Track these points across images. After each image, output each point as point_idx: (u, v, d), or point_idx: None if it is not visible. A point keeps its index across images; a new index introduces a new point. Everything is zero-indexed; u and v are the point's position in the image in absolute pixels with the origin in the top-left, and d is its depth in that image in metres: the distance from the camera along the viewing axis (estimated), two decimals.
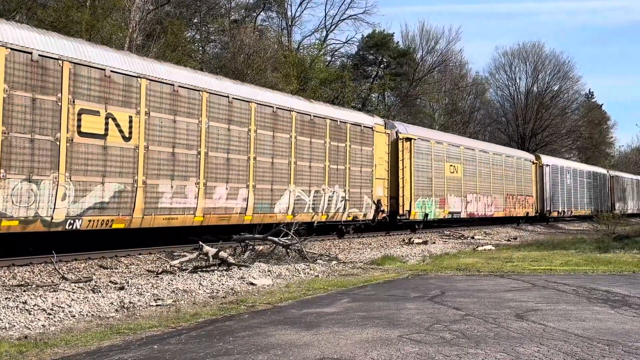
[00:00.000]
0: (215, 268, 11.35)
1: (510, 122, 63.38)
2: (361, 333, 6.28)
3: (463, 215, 26.82)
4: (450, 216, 25.91)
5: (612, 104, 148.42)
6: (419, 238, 21.48)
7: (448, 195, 25.67)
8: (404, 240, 21.05)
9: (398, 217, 22.29)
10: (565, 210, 38.28)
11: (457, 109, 58.23)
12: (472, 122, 60.99)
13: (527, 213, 33.68)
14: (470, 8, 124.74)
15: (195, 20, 39.68)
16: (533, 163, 35.30)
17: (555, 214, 36.90)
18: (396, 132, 22.56)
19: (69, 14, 23.88)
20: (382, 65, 52.97)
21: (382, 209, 21.07)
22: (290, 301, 8.47)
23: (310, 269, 11.99)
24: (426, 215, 23.87)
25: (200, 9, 38.87)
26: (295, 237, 14.12)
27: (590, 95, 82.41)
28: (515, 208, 32.08)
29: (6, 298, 7.72)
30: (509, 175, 31.79)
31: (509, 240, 22.92)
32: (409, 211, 22.62)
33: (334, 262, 13.44)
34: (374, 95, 53.17)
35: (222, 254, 12.01)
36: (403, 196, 22.30)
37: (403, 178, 22.33)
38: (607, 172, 47.76)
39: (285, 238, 13.93)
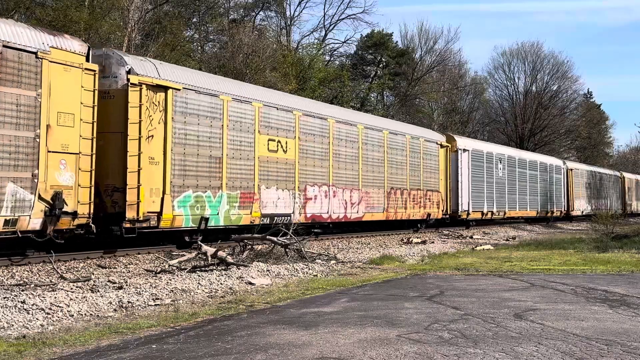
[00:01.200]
0: (214, 268, 11.34)
1: (508, 121, 63.41)
2: (360, 332, 6.27)
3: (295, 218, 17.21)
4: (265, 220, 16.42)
5: (611, 103, 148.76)
6: (417, 238, 21.50)
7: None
8: (402, 239, 21.06)
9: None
10: (495, 210, 29.88)
11: (456, 109, 58.28)
12: (471, 121, 61.02)
13: (429, 215, 24.77)
14: (469, 8, 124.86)
15: (194, 20, 39.70)
16: (442, 146, 26.03)
17: (477, 216, 28.26)
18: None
19: (67, 13, 23.88)
20: (380, 65, 52.99)
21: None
22: (289, 301, 8.47)
23: (309, 269, 11.99)
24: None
25: (199, 9, 38.87)
26: (294, 236, 14.12)
27: (588, 95, 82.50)
28: (406, 208, 23.15)
29: (4, 297, 7.71)
30: (397, 161, 22.71)
31: (507, 240, 22.95)
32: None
33: (333, 261, 13.44)
34: (372, 95, 53.25)
35: (221, 253, 12.01)
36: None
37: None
38: (564, 163, 40.71)
39: (284, 238, 13.93)
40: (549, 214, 37.07)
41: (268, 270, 11.32)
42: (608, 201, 48.06)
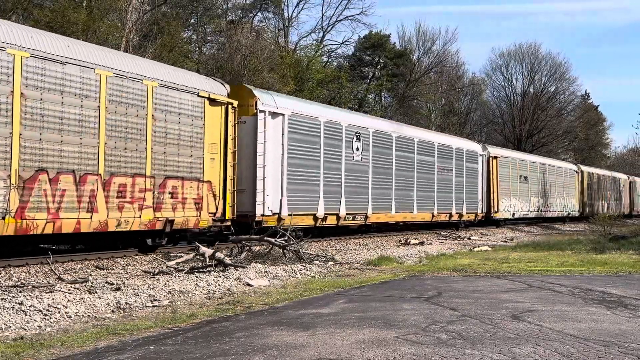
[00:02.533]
0: (212, 269, 11.34)
1: (506, 123, 63.49)
2: (358, 334, 6.28)
3: None
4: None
5: (608, 105, 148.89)
6: (415, 239, 21.52)
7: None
8: (400, 241, 21.09)
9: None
10: (344, 213, 19.51)
11: (454, 110, 58.31)
12: (469, 123, 61.09)
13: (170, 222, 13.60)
14: (466, 9, 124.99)
15: (192, 21, 39.69)
16: (214, 102, 14.70)
17: (298, 221, 17.39)
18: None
19: (65, 14, 23.87)
20: (378, 66, 53.02)
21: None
22: (287, 302, 8.47)
23: (307, 270, 12.00)
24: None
25: (197, 10, 38.87)
26: (292, 238, 14.12)
27: (586, 96, 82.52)
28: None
29: (2, 299, 7.70)
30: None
31: (505, 241, 22.97)
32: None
33: (331, 262, 13.45)
34: (370, 96, 53.27)
35: (219, 254, 12.01)
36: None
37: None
38: (484, 148, 30.49)
39: (282, 239, 13.93)
40: (457, 218, 27.07)
41: (266, 272, 11.33)
42: (559, 200, 39.02)
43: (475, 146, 29.92)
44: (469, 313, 7.41)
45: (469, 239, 23.47)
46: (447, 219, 26.44)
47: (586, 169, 45.70)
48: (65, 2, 24.56)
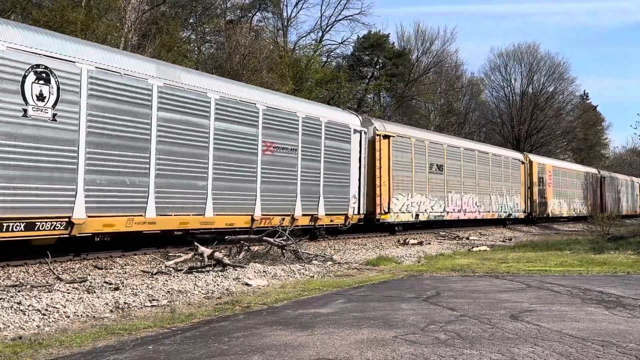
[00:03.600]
0: (211, 269, 11.34)
1: (505, 123, 63.53)
2: (356, 334, 6.28)
3: None
4: None
5: (607, 105, 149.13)
6: (414, 239, 21.53)
7: None
8: (399, 240, 21.09)
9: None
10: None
11: (453, 110, 58.34)
12: (468, 123, 61.11)
13: None
14: (465, 9, 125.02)
15: (191, 21, 39.65)
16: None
17: None
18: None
19: (64, 13, 23.84)
20: (377, 66, 53.05)
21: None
22: (286, 302, 8.47)
23: (306, 270, 12.00)
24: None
25: (196, 9, 38.84)
26: (291, 237, 14.12)
27: (585, 97, 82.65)
28: None
29: (1, 298, 7.69)
30: None
31: (504, 241, 22.98)
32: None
33: (329, 262, 13.45)
34: (369, 96, 53.28)
35: (217, 254, 12.00)
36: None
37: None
38: (366, 122, 21.59)
39: (281, 239, 13.93)
40: (307, 222, 18.03)
41: (265, 271, 11.32)
42: (495, 198, 30.74)
43: (346, 117, 20.39)
44: (467, 313, 7.41)
45: (467, 238, 23.49)
46: (280, 223, 16.23)
47: (536, 159, 37.33)
48: (64, 1, 24.52)
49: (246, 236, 14.25)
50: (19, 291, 8.51)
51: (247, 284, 10.15)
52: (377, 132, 21.76)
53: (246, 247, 13.72)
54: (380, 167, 21.68)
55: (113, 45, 24.08)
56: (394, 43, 54.25)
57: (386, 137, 22.21)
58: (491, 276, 11.41)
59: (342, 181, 19.66)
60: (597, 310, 7.63)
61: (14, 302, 7.52)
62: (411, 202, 23.50)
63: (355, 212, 20.22)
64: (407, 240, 20.76)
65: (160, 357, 5.42)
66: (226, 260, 11.88)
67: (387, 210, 21.77)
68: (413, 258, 15.18)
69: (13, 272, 10.43)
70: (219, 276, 10.50)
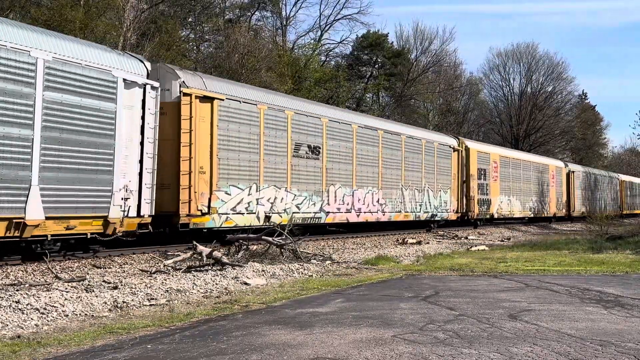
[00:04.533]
0: (209, 268, 11.33)
1: (504, 122, 63.60)
2: (355, 333, 6.28)
3: None
4: None
5: (606, 104, 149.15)
6: (412, 238, 21.54)
7: None
8: (397, 240, 21.10)
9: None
10: None
11: (451, 110, 58.37)
12: (466, 122, 61.15)
13: None
14: (464, 8, 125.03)
15: (190, 20, 39.62)
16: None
17: None
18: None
19: (62, 12, 23.82)
20: (376, 66, 53.06)
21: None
22: (284, 301, 8.46)
23: (304, 269, 12.00)
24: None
25: (195, 8, 38.80)
26: (289, 237, 14.12)
27: (583, 96, 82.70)
28: None
29: None
30: None
31: (502, 241, 23.00)
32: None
33: (328, 262, 13.45)
34: (368, 95, 53.29)
35: (216, 253, 12.00)
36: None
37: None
38: (146, 65, 13.43)
39: (279, 238, 13.92)
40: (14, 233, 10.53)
41: (263, 271, 11.32)
42: (410, 193, 24.11)
43: (104, 56, 12.25)
44: (466, 312, 7.41)
45: (466, 238, 23.49)
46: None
47: (476, 146, 30.56)
48: (63, 0, 24.50)
49: (245, 235, 14.23)
50: (17, 290, 8.50)
51: (245, 283, 10.15)
52: (187, 91, 14.63)
53: (245, 247, 13.72)
54: (191, 144, 14.55)
55: (112, 45, 24.06)
56: (392, 42, 54.34)
57: (207, 99, 15.09)
58: (490, 275, 11.42)
59: (95, 162, 11.86)
60: (596, 310, 7.63)
61: (13, 301, 7.51)
62: (257, 199, 16.56)
63: (131, 213, 12.65)
64: (405, 240, 20.77)
65: (159, 356, 5.42)
66: (225, 259, 11.88)
67: (206, 211, 14.93)
68: (412, 257, 15.18)
69: (12, 271, 10.43)
70: (217, 275, 10.50)
